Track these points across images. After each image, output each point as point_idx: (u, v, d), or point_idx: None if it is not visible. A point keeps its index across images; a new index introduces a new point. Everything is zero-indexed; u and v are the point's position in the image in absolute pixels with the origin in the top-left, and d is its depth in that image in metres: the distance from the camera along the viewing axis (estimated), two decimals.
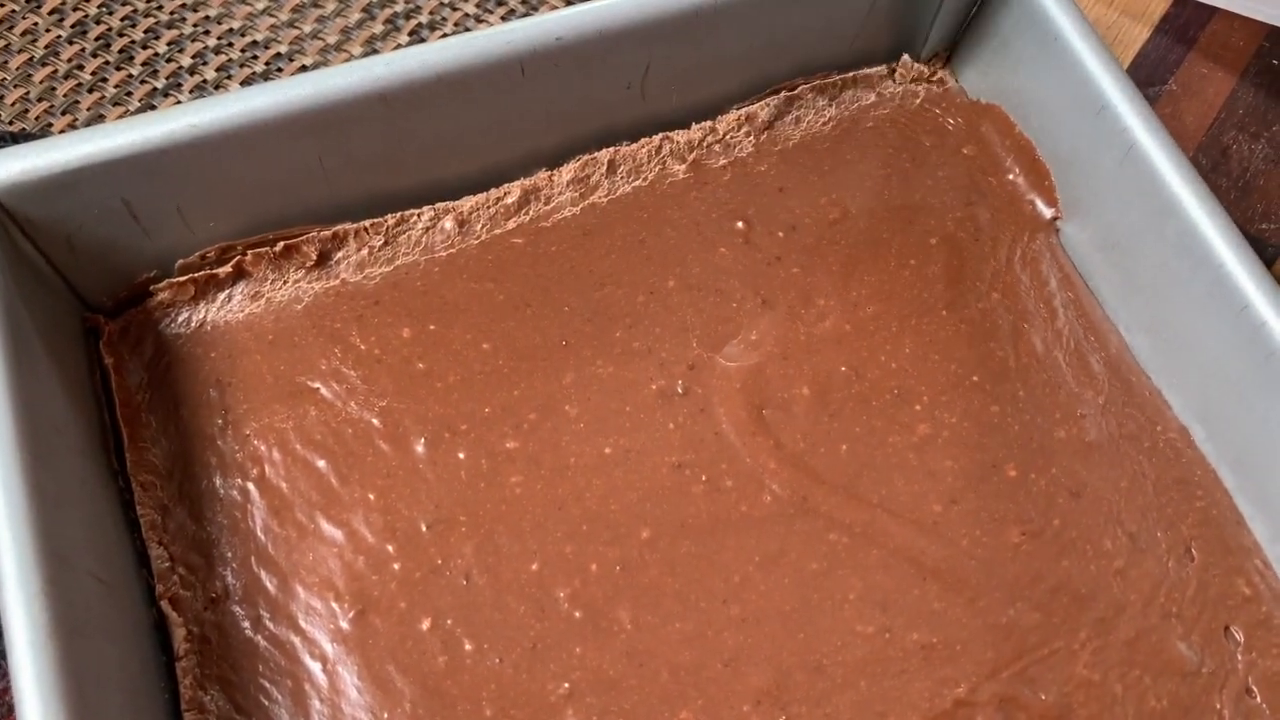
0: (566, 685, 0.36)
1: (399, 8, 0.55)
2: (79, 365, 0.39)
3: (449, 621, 0.37)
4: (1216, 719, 0.38)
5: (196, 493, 0.38)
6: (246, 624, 0.36)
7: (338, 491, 0.39)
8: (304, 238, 0.42)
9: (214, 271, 0.42)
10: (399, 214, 0.43)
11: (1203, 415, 0.42)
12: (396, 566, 0.38)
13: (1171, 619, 0.39)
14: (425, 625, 0.37)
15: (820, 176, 0.46)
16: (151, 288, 0.41)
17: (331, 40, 0.54)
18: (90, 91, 0.51)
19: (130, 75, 0.52)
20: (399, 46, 0.54)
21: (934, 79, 0.49)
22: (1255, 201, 0.52)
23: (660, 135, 0.46)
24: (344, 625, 0.37)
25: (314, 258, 0.42)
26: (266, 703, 0.36)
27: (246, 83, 0.52)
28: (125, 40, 0.53)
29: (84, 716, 0.30)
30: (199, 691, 0.35)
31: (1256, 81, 0.56)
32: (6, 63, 0.51)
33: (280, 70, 0.53)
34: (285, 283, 0.42)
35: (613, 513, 0.39)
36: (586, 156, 0.45)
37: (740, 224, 0.45)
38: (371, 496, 0.39)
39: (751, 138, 0.47)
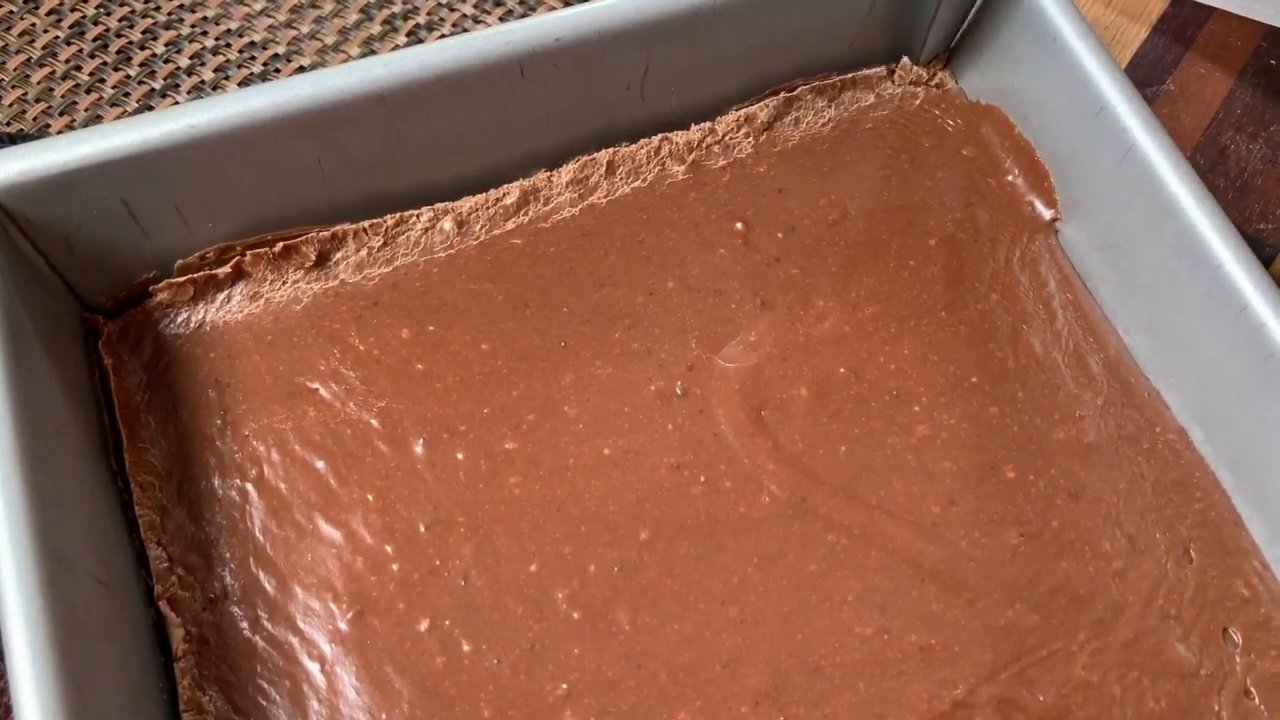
0: (565, 686, 0.36)
1: (397, 9, 0.55)
2: (78, 366, 0.39)
3: (447, 622, 0.37)
4: None
5: (195, 493, 0.38)
6: (245, 624, 0.36)
7: (336, 492, 0.39)
8: (303, 238, 0.42)
9: (213, 272, 0.42)
10: (398, 215, 0.43)
11: (1201, 416, 0.42)
12: (395, 567, 0.38)
13: (1170, 620, 0.39)
14: (423, 626, 0.37)
15: (819, 178, 0.46)
16: (151, 288, 0.41)
17: (329, 41, 0.54)
18: (88, 92, 0.51)
19: (128, 76, 0.52)
20: (397, 47, 0.54)
21: (933, 80, 0.49)
22: (1253, 201, 0.52)
23: (659, 136, 0.46)
24: (342, 626, 0.37)
25: (313, 258, 0.42)
26: (264, 703, 0.36)
27: (244, 83, 0.52)
28: (123, 41, 0.52)
29: (83, 717, 0.30)
30: (197, 692, 0.35)
31: (1254, 81, 0.56)
32: (4, 64, 0.51)
33: (278, 71, 0.53)
34: (284, 283, 0.42)
35: (611, 514, 0.39)
36: (585, 157, 0.45)
37: (739, 225, 0.45)
38: (370, 497, 0.39)
39: (751, 139, 0.47)
